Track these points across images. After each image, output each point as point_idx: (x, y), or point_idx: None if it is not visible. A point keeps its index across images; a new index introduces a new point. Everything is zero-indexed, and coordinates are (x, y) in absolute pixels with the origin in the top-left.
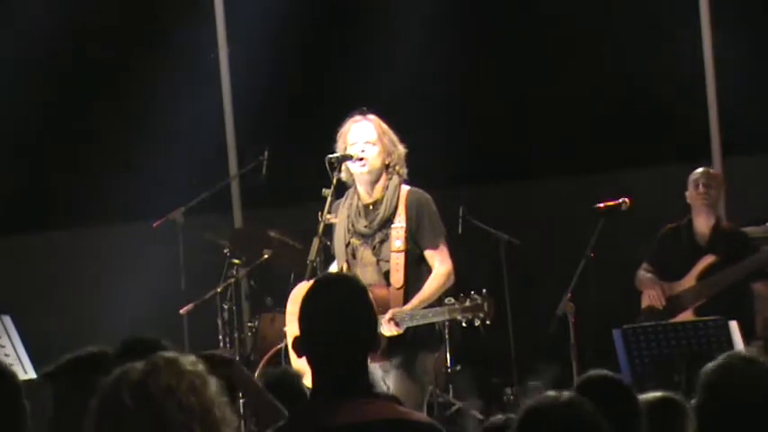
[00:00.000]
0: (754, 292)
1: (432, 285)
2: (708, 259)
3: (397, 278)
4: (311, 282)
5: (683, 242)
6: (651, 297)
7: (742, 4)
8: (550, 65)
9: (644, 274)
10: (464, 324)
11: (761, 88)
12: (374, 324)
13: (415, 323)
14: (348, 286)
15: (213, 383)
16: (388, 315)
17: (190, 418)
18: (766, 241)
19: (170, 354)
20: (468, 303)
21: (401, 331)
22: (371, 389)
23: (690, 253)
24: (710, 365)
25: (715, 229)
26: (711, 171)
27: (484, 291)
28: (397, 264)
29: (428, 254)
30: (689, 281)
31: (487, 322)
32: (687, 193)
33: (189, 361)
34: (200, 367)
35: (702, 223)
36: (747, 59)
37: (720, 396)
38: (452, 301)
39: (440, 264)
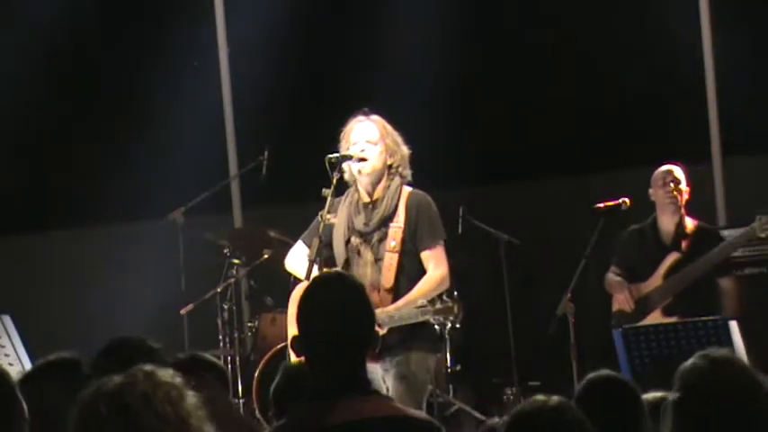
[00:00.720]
0: (720, 288)
1: (421, 288)
2: (672, 257)
3: (388, 278)
4: (309, 281)
5: (648, 242)
6: (619, 301)
7: (742, 4)
8: (550, 65)
9: (612, 277)
10: (436, 326)
11: (761, 88)
12: (373, 323)
13: (393, 324)
14: (347, 285)
15: (190, 396)
16: None
17: (166, 427)
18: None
19: (148, 367)
20: (439, 306)
21: (384, 331)
22: (369, 387)
23: (655, 253)
24: (684, 367)
25: (679, 226)
26: (677, 169)
27: (455, 293)
28: (390, 264)
29: (424, 256)
30: (656, 280)
31: (457, 325)
32: (651, 191)
33: (167, 373)
34: (178, 380)
35: (667, 222)
36: (747, 59)
37: (695, 397)
38: (425, 303)
39: (434, 267)
